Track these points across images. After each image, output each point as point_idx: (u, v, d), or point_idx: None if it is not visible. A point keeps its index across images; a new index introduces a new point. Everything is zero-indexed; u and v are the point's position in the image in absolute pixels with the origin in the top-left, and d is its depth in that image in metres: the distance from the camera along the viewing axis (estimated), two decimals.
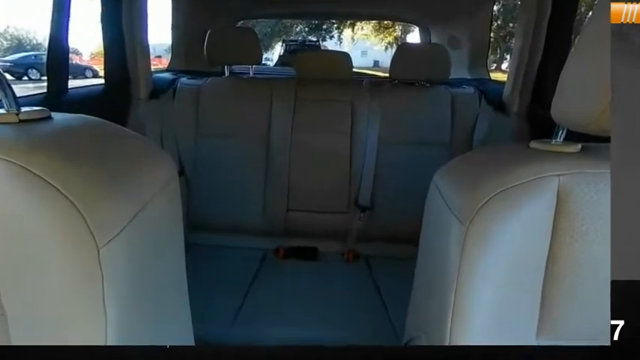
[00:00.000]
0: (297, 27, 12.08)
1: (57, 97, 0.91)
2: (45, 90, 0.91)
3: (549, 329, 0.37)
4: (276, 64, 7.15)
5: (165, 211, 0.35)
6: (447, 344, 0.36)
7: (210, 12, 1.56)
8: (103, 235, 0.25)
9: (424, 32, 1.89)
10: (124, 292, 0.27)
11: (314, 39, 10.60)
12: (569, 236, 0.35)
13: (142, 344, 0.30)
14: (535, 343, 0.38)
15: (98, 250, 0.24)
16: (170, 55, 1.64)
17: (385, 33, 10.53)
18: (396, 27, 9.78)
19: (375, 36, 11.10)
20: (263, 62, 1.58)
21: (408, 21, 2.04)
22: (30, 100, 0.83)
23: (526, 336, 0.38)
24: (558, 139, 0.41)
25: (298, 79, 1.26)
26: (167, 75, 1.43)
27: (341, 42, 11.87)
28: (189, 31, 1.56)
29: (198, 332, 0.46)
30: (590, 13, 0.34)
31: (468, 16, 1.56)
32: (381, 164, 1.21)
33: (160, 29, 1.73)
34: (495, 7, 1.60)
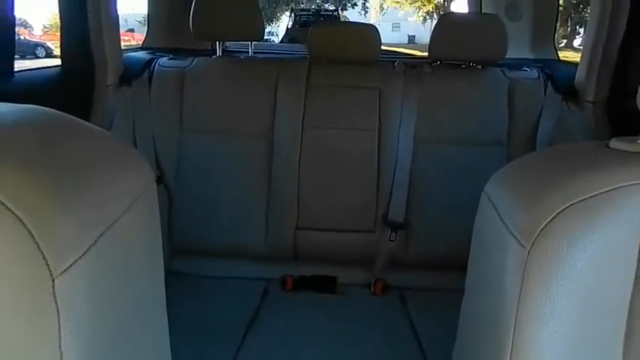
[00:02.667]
0: None
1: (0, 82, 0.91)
2: None
3: None
4: (282, 41, 7.26)
5: (138, 230, 0.35)
6: None
7: None
8: (60, 261, 0.24)
9: None
10: (86, 333, 0.26)
11: (331, 8, 10.72)
12: None
13: None
14: None
15: (53, 280, 0.23)
16: (146, 29, 1.62)
17: (422, 0, 10.52)
18: None
19: (411, 4, 11.10)
20: (266, 38, 1.56)
21: None
22: None
23: None
24: None
25: (311, 59, 1.26)
26: (142, 54, 1.41)
27: (366, 12, 11.97)
28: None
29: None
30: None
31: None
32: (418, 170, 1.20)
33: None
34: None
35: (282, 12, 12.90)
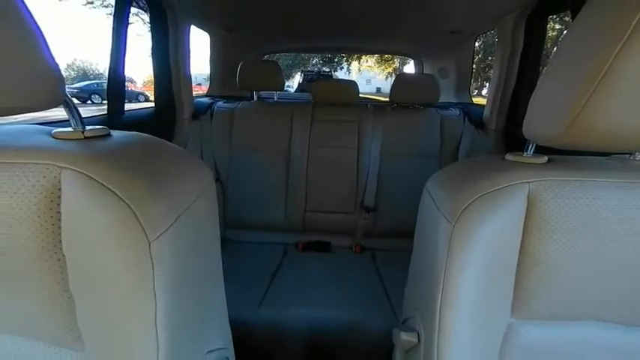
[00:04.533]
0: (313, 60, 12.19)
1: (115, 118, 0.91)
2: (105, 112, 0.90)
3: (521, 309, 0.36)
4: (296, 91, 7.22)
5: (204, 211, 0.34)
6: (437, 322, 0.36)
7: (241, 48, 1.59)
8: (154, 230, 0.24)
9: (418, 64, 1.88)
10: (171, 280, 0.26)
11: (327, 70, 10.67)
12: (538, 233, 0.34)
13: (184, 322, 0.29)
14: (510, 321, 0.37)
15: (149, 244, 0.24)
16: (208, 83, 1.66)
17: (386, 65, 10.47)
18: (395, 60, 9.70)
19: (378, 67, 11.05)
20: (285, 89, 1.56)
21: (405, 55, 2.03)
22: (93, 120, 0.84)
23: (502, 315, 0.37)
24: (529, 152, 0.39)
25: (314, 103, 1.25)
26: (206, 99, 1.43)
27: (349, 72, 11.86)
28: (224, 63, 1.59)
29: (231, 313, 0.45)
30: (555, 49, 0.33)
31: (453, 50, 1.53)
32: (383, 173, 1.19)
33: (200, 62, 1.78)
34: (477, 43, 1.57)
35: (296, 72, 12.87)
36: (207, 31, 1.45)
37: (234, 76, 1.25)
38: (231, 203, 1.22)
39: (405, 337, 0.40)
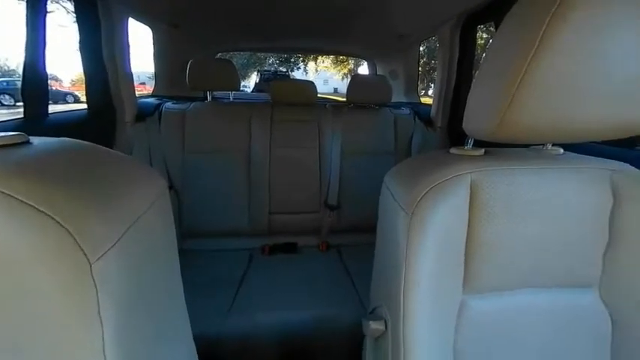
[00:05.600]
0: (269, 59, 11.92)
1: (36, 122, 0.78)
2: (22, 115, 0.76)
3: (470, 285, 0.40)
4: (252, 91, 6.99)
5: (157, 223, 0.31)
6: (401, 307, 0.37)
7: (190, 45, 1.47)
8: (95, 250, 0.21)
9: (371, 66, 1.97)
10: (120, 302, 0.23)
11: (284, 69, 10.55)
12: (479, 216, 0.38)
13: (139, 347, 0.26)
14: (462, 297, 0.40)
15: (90, 265, 0.21)
16: (154, 82, 1.50)
17: (341, 66, 10.75)
18: (350, 61, 10.02)
19: (334, 68, 11.29)
20: (241, 89, 1.49)
21: (358, 56, 2.11)
22: (6, 126, 0.71)
23: (455, 292, 0.40)
24: (469, 146, 0.44)
25: (273, 103, 1.23)
26: (152, 100, 1.30)
27: (306, 72, 11.88)
28: (170, 61, 1.45)
29: (196, 329, 0.41)
30: (484, 55, 0.38)
31: (402, 54, 1.64)
32: (344, 171, 1.21)
33: (140, 57, 1.61)
34: (421, 48, 1.70)
35: (252, 72, 12.48)
36: (149, 26, 1.32)
37: (183, 74, 1.16)
38: (189, 211, 1.14)
39: (374, 325, 0.42)
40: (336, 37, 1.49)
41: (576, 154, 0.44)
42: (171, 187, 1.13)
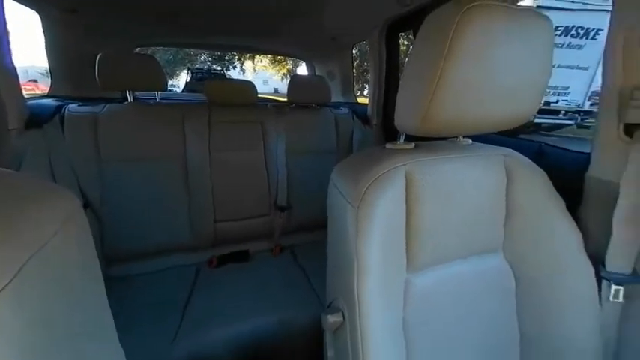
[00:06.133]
0: (201, 57, 11.03)
1: None
2: None
3: (412, 264, 0.45)
4: (183, 91, 6.36)
5: (69, 249, 0.26)
6: (355, 296, 0.39)
7: (95, 37, 1.23)
8: None
9: (310, 66, 2.01)
10: (23, 350, 0.19)
11: (219, 68, 9.91)
12: (415, 203, 0.43)
13: None
14: (406, 276, 0.44)
15: None
16: (50, 80, 1.21)
17: (280, 65, 10.66)
18: (288, 61, 10.01)
19: (272, 67, 11.11)
20: (169, 89, 1.31)
21: (296, 57, 2.12)
22: None
23: (401, 273, 0.44)
24: (401, 141, 0.50)
25: (209, 103, 1.13)
26: (49, 101, 1.05)
27: (244, 72, 11.38)
28: (69, 54, 1.19)
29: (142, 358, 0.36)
30: (407, 59, 0.43)
31: (337, 56, 1.72)
32: (291, 171, 1.20)
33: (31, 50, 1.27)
34: (354, 51, 1.81)
35: (181, 70, 11.32)
36: (34, 10, 1.07)
37: (90, 71, 0.99)
38: (112, 231, 0.97)
39: (332, 318, 0.43)
40: (270, 37, 1.46)
41: (480, 143, 0.54)
42: (87, 206, 0.94)
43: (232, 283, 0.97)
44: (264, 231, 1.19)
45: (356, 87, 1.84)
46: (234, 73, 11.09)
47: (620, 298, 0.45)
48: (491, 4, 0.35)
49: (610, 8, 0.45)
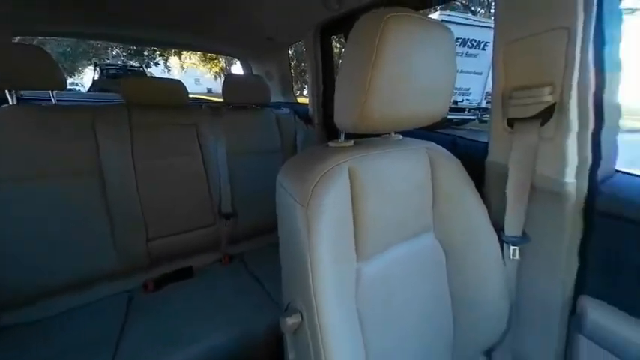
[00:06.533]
0: (113, 50, 9.43)
1: None
2: None
3: (361, 254, 0.48)
4: (90, 90, 5.35)
5: None
6: (312, 293, 0.39)
7: None
8: None
9: (246, 66, 1.93)
10: None
11: (137, 64, 8.65)
12: (359, 197, 0.46)
13: None
14: (357, 266, 0.47)
15: None
16: None
17: (211, 63, 9.93)
18: (220, 59, 9.40)
19: (203, 65, 10.28)
20: (70, 88, 1.07)
21: (230, 55, 2.02)
22: None
23: (352, 263, 0.46)
24: (342, 139, 0.52)
25: (128, 104, 0.98)
26: None
27: (169, 69, 10.18)
28: None
29: None
30: (340, 61, 0.46)
31: (274, 55, 1.70)
32: (234, 175, 1.14)
33: None
34: (290, 51, 1.81)
35: (84, 66, 9.48)
36: None
37: None
38: (6, 269, 0.77)
39: (290, 320, 0.43)
40: (199, 33, 1.35)
41: (409, 138, 0.61)
42: None
43: (176, 304, 0.87)
44: (209, 243, 1.10)
45: (295, 87, 1.85)
46: (156, 71, 9.82)
47: (517, 256, 0.57)
48: (408, 15, 0.40)
49: (493, 25, 0.57)
